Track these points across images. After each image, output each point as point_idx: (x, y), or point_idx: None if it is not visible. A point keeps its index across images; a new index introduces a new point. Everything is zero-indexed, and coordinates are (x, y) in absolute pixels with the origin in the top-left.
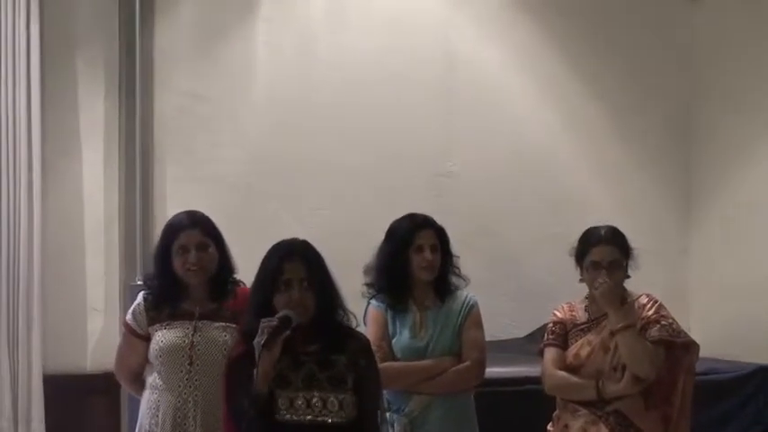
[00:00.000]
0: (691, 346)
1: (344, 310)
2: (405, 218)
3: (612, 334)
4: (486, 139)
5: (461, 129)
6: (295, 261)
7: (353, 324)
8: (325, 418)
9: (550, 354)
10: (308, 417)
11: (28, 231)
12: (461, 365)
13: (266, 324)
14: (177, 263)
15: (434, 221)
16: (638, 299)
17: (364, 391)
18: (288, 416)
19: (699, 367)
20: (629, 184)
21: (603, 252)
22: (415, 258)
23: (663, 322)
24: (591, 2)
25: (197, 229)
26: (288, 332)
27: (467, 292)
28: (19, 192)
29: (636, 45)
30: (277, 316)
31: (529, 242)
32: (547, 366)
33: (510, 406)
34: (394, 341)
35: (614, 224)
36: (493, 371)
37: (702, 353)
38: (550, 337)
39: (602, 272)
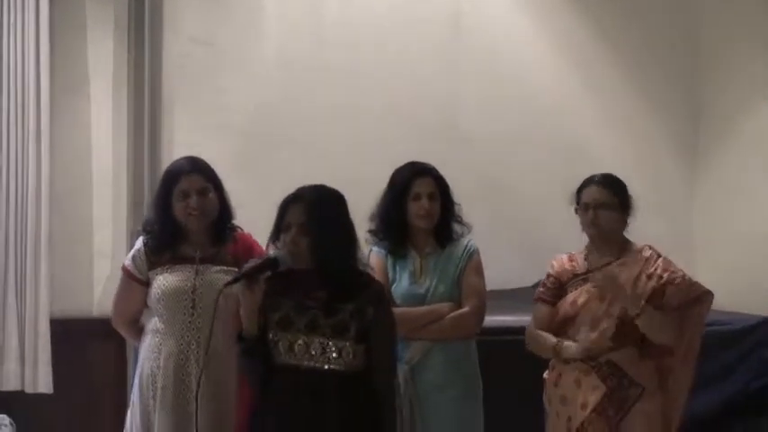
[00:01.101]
0: (702, 296)
1: (354, 258)
2: (405, 166)
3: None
4: (494, 91)
5: (470, 81)
6: (296, 205)
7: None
8: (323, 365)
9: (537, 311)
10: (306, 362)
11: (36, 176)
12: (460, 311)
13: (248, 265)
14: (178, 208)
15: (434, 169)
16: (641, 249)
17: (372, 339)
18: (286, 359)
19: None
20: (637, 136)
21: (593, 192)
22: (413, 206)
23: (676, 281)
24: None
25: (198, 175)
26: (268, 273)
27: (468, 240)
28: (27, 137)
29: None
30: (264, 257)
31: (537, 193)
32: (530, 322)
33: (514, 354)
34: (393, 287)
35: (621, 175)
36: (499, 319)
37: None
38: (541, 290)
39: (590, 212)
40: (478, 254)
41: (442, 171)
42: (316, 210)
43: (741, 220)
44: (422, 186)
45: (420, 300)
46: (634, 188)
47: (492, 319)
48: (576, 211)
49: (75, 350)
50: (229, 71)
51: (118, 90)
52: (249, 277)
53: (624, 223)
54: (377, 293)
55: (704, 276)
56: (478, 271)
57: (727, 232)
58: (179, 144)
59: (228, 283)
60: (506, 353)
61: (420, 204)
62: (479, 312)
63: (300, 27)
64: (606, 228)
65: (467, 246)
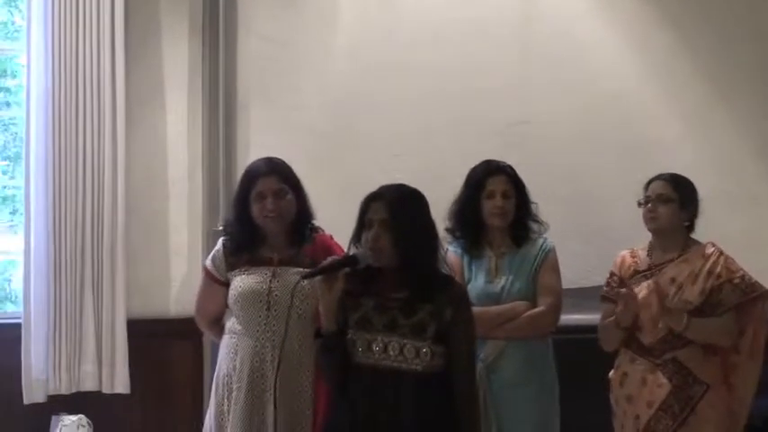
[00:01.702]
0: (762, 296)
1: (435, 257)
2: (481, 164)
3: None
4: (564, 85)
5: (540, 75)
6: (378, 203)
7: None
8: (401, 365)
9: (603, 310)
10: (384, 362)
11: (112, 177)
12: (535, 310)
13: (327, 261)
14: (255, 209)
15: (509, 167)
16: (704, 246)
17: (451, 341)
18: (364, 358)
19: None
20: (711, 132)
21: (655, 186)
22: (487, 204)
23: (735, 281)
24: None
25: (274, 176)
26: (346, 269)
27: (544, 238)
28: (103, 138)
29: None
30: (344, 254)
31: (608, 189)
32: (600, 322)
33: (588, 352)
34: (470, 286)
35: (698, 172)
36: (573, 318)
37: None
38: (606, 288)
39: (650, 205)
40: (554, 252)
41: (516, 168)
42: (398, 206)
43: None
44: (496, 184)
45: (495, 298)
46: (712, 185)
47: (566, 318)
48: (640, 204)
49: (152, 350)
50: (304, 70)
51: (193, 91)
52: (326, 272)
53: (684, 221)
54: (457, 295)
55: None
56: (554, 269)
57: None
58: (254, 144)
59: (304, 277)
60: (580, 351)
61: (494, 202)
62: (555, 311)
63: (374, 23)
64: (662, 221)
65: (543, 244)
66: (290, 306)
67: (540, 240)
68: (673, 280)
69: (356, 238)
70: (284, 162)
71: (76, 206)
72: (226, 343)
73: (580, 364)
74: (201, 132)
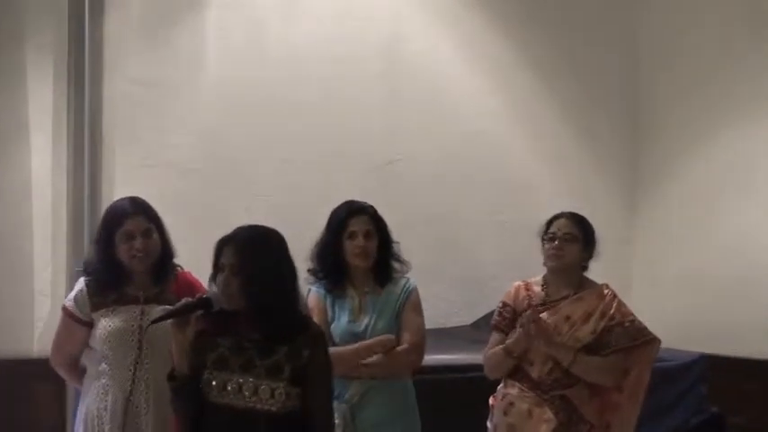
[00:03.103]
0: (650, 342)
1: (290, 299)
2: (342, 205)
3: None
4: (432, 127)
5: (408, 116)
6: (229, 246)
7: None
8: (255, 405)
9: (492, 339)
10: (239, 402)
11: None
12: (399, 348)
13: (179, 304)
14: (122, 249)
15: (370, 208)
16: (600, 287)
17: (309, 382)
18: (218, 399)
19: None
20: (575, 173)
21: (561, 224)
22: (349, 245)
23: (626, 324)
24: None
25: (141, 216)
26: (199, 312)
27: (406, 278)
28: None
29: (584, 33)
30: (197, 296)
31: (475, 229)
32: (487, 350)
33: (453, 393)
34: (333, 326)
35: (554, 210)
36: (437, 358)
37: None
38: (497, 318)
39: (556, 243)
40: (417, 291)
41: (381, 208)
42: (246, 251)
43: (678, 260)
44: (358, 225)
45: (359, 338)
46: None
47: (427, 358)
48: (543, 241)
49: (15, 391)
50: (171, 109)
51: (57, 131)
52: (179, 315)
53: (584, 260)
54: (314, 337)
55: (642, 315)
56: (417, 309)
57: (664, 272)
58: (120, 183)
59: (155, 321)
60: (441, 391)
61: (356, 243)
62: (418, 349)
63: (241, 66)
64: (567, 259)
65: (405, 284)
66: (140, 343)
67: (403, 280)
68: (567, 318)
69: (213, 279)
70: (146, 201)
71: None
72: (93, 385)
73: (440, 403)
74: (66, 172)
